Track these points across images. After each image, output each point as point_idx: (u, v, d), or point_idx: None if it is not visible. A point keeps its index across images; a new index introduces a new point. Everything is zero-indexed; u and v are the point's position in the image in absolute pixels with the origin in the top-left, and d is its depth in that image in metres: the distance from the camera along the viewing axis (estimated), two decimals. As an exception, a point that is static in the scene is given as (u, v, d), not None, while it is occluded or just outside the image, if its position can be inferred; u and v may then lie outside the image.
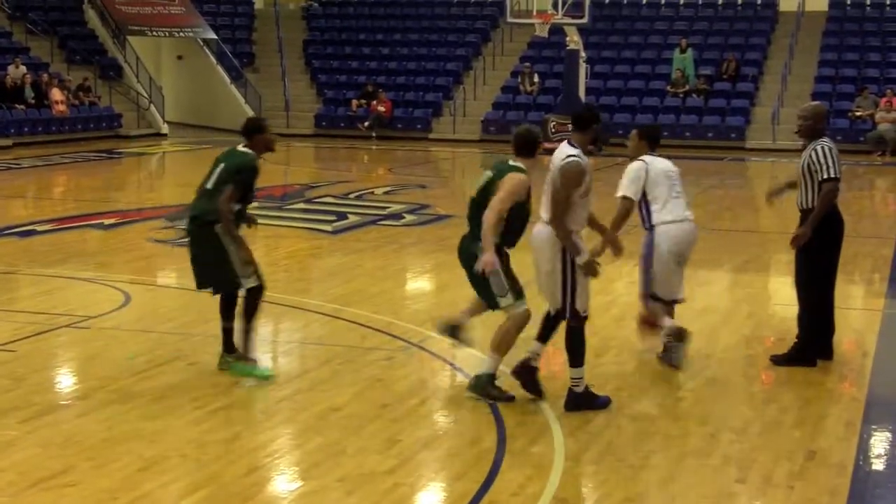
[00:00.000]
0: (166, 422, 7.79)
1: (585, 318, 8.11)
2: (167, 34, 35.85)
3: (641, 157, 9.20)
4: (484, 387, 8.29)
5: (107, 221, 16.42)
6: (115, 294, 11.67)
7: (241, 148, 8.85)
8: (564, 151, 7.99)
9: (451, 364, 9.44)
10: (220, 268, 8.69)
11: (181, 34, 35.91)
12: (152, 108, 33.84)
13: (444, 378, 9.29)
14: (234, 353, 8.98)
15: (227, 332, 8.97)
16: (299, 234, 15.85)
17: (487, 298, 8.33)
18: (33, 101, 30.14)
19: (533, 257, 8.14)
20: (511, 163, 8.31)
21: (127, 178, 25.89)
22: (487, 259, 7.97)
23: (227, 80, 35.69)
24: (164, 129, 33.64)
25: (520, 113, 32.33)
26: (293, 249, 14.23)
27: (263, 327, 9.79)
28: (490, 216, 8.00)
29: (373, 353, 9.66)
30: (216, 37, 36.21)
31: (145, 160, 29.02)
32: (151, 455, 7.12)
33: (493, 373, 8.33)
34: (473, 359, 9.53)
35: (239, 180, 8.60)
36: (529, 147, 8.33)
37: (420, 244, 14.54)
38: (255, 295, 8.83)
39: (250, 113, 34.08)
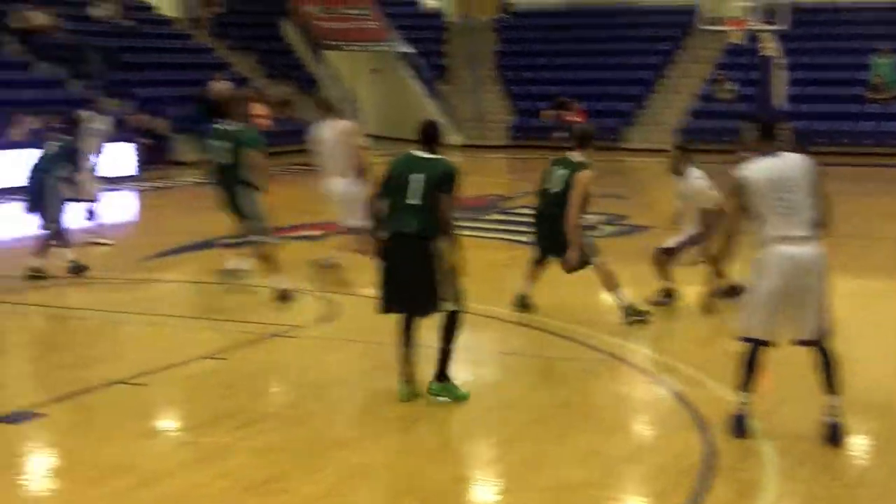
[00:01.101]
0: (373, 430, 7.92)
1: None
2: (362, 48, 36.51)
3: None
4: (632, 313, 10.91)
5: (312, 233, 16.78)
6: (322, 304, 11.92)
7: (427, 155, 8.38)
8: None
9: (653, 376, 9.36)
10: (427, 286, 8.21)
11: (376, 48, 36.53)
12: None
13: (645, 390, 9.20)
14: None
15: (407, 358, 8.56)
16: (496, 245, 15.96)
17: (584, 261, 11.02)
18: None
19: (782, 282, 7.40)
20: (578, 160, 10.93)
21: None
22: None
23: (421, 92, 36.13)
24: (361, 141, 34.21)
25: (715, 122, 31.85)
26: (490, 260, 14.31)
27: (463, 337, 9.86)
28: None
29: (573, 364, 9.65)
30: (410, 50, 36.70)
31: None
32: (358, 463, 7.25)
33: (628, 302, 10.98)
34: (675, 370, 9.45)
35: (454, 189, 8.25)
36: (589, 140, 11.12)
37: (617, 255, 14.39)
38: (456, 317, 8.46)
39: (444, 125, 34.41)
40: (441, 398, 8.41)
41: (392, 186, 8.33)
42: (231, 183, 12.10)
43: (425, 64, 37.01)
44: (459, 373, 9.53)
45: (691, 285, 11.78)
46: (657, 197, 22.83)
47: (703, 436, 7.68)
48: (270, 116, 31.69)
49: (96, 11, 32.96)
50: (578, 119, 33.24)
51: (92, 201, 15.92)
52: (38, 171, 13.55)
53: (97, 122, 16.27)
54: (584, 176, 10.86)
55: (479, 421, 8.30)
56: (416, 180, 8.20)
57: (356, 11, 37.22)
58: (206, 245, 16.07)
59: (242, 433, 7.81)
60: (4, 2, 30.69)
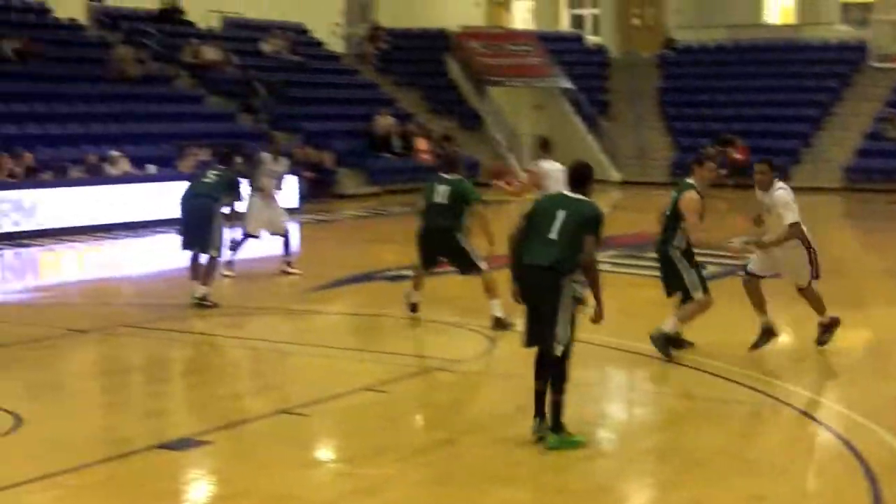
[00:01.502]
0: (529, 467, 7.90)
1: None
2: (525, 84, 36.67)
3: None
4: (664, 342, 10.72)
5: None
6: (479, 339, 11.94)
7: (575, 195, 8.40)
8: None
9: (818, 421, 9.14)
10: (547, 319, 8.12)
11: (538, 84, 36.64)
12: (512, 156, 34.64)
13: (810, 434, 8.98)
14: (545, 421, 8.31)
15: (539, 395, 8.35)
16: (653, 283, 15.73)
17: (682, 288, 10.96)
18: (401, 151, 31.42)
19: None
20: (687, 182, 10.92)
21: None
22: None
23: (584, 128, 36.09)
24: (523, 177, 34.29)
25: (886, 160, 31.14)
26: (646, 297, 14.12)
27: (620, 377, 9.80)
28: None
29: (735, 406, 9.50)
30: (572, 86, 36.70)
31: (505, 207, 29.67)
32: (515, 499, 7.27)
33: (672, 333, 10.81)
34: (839, 416, 9.22)
35: (599, 231, 8.27)
36: (699, 164, 11.12)
37: (779, 296, 14.15)
38: (563, 363, 8.19)
39: (605, 161, 34.31)
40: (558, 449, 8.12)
41: (537, 221, 8.38)
42: (444, 222, 12.42)
43: (587, 100, 36.96)
44: (617, 412, 9.50)
45: (857, 328, 11.51)
46: (824, 238, 22.32)
47: (869, 483, 7.47)
48: (433, 151, 32.08)
49: (266, 47, 33.82)
50: (741, 156, 32.85)
51: (283, 235, 16.39)
52: (200, 198, 13.68)
53: (276, 164, 16.59)
54: (686, 197, 10.89)
55: (635, 462, 8.23)
56: (560, 217, 8.29)
57: (519, 47, 37.47)
58: (368, 277, 16.32)
59: (402, 465, 7.89)
60: (178, 37, 31.75)
